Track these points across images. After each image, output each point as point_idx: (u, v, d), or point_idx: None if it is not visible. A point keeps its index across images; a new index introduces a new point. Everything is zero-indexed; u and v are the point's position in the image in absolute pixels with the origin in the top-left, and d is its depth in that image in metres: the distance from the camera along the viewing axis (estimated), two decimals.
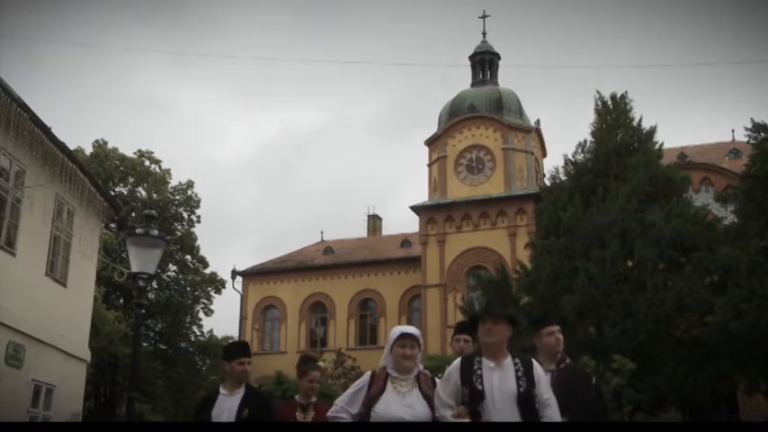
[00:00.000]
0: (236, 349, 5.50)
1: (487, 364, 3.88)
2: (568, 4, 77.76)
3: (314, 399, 5.53)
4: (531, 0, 77.53)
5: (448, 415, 3.81)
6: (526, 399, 3.74)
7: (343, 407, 4.15)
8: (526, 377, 3.82)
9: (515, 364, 3.90)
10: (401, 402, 3.97)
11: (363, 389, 4.15)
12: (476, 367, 3.86)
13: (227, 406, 5.10)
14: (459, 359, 4.06)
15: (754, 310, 15.81)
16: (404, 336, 4.15)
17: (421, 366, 4.21)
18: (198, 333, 33.48)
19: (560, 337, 4.89)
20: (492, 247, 30.31)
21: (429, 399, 3.97)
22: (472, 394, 3.78)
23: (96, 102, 78.20)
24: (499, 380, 3.80)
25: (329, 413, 4.27)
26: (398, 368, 4.10)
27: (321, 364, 5.54)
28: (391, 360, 4.15)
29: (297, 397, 5.60)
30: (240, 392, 5.20)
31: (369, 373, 4.24)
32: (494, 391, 3.76)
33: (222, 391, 5.27)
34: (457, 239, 31.22)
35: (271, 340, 35.75)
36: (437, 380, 4.16)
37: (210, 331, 33.80)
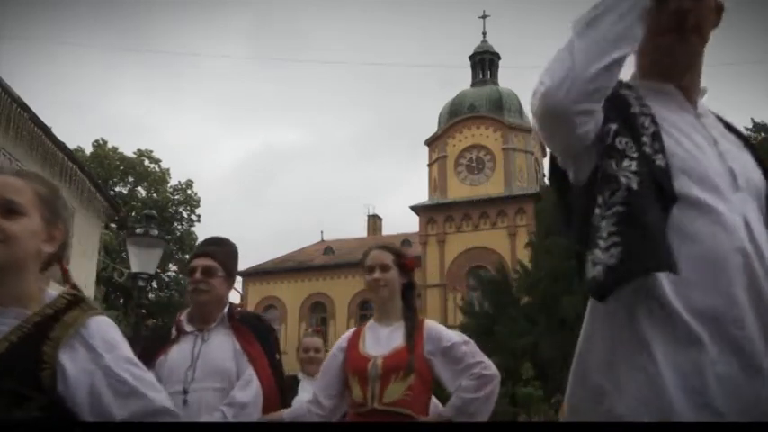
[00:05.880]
0: None
1: None
2: (568, 3, 77.82)
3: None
4: (531, 0, 77.60)
5: None
6: None
7: None
8: None
9: None
10: None
11: None
12: None
13: None
14: None
15: None
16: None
17: None
18: None
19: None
20: (492, 247, 30.31)
21: None
22: None
23: (90, 100, 78.24)
24: None
25: None
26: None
27: None
28: None
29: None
30: None
31: None
32: None
33: None
34: (457, 239, 31.23)
35: None
36: None
37: None
